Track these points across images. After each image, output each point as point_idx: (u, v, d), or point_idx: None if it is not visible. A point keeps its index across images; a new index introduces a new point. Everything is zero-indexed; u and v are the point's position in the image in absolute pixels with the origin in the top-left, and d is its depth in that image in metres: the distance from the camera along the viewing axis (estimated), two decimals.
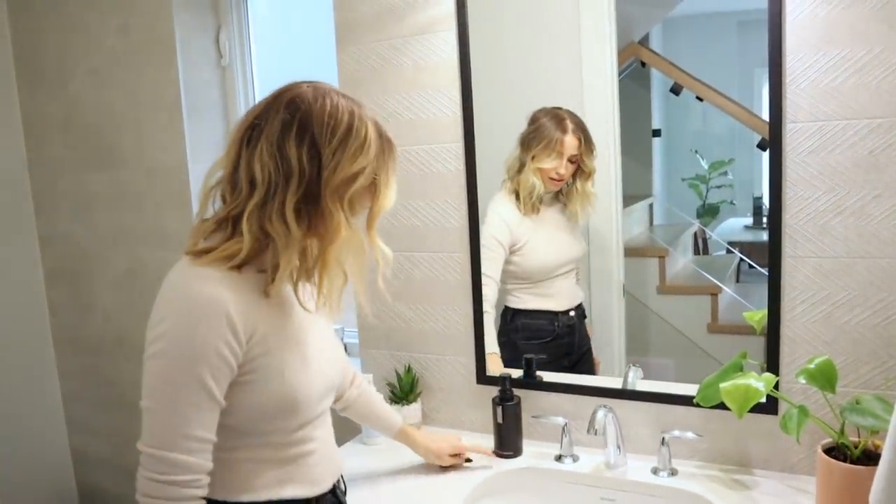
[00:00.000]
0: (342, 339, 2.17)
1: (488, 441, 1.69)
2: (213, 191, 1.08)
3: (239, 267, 1.03)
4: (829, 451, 1.34)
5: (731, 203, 1.72)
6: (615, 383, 1.65)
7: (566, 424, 1.61)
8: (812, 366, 1.31)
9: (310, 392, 1.11)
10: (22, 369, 2.49)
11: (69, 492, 2.64)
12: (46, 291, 2.54)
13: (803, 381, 1.31)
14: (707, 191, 1.70)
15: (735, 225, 1.74)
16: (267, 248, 1.04)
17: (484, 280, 1.72)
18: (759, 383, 1.28)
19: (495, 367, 1.74)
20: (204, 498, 1.02)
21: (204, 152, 2.18)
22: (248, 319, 1.02)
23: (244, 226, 1.01)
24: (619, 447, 1.54)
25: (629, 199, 1.72)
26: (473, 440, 1.72)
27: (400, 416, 1.57)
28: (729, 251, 1.73)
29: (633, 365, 1.63)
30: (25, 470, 2.49)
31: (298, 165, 1.00)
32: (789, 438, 1.46)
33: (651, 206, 1.82)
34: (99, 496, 2.62)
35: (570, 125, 1.64)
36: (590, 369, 1.74)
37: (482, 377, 1.77)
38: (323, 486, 1.17)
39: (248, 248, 1.02)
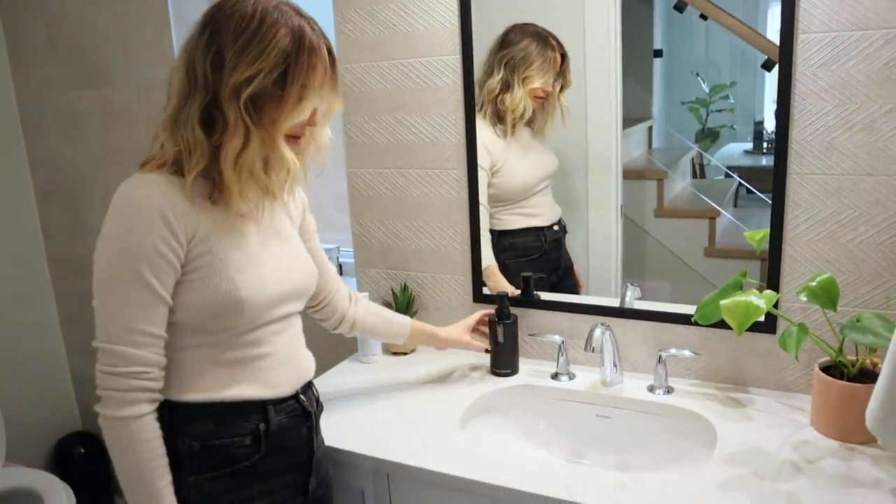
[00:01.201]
0: (337, 259, 2.15)
1: (485, 361, 1.70)
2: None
3: (180, 173, 1.07)
4: (827, 369, 1.34)
5: (732, 128, 1.68)
6: (612, 302, 1.64)
7: (563, 343, 1.61)
8: (814, 283, 1.30)
9: (259, 293, 1.12)
10: (19, 292, 2.48)
11: (70, 412, 2.68)
12: (39, 213, 2.50)
13: (804, 299, 1.30)
14: (707, 115, 1.65)
15: (735, 150, 1.70)
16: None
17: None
18: (759, 300, 1.26)
19: (494, 280, 1.75)
20: (159, 391, 1.08)
21: None
22: (190, 220, 1.06)
23: (161, 132, 1.09)
24: (615, 365, 1.54)
25: (628, 122, 1.68)
26: (470, 360, 1.73)
27: (409, 319, 1.58)
28: (728, 175, 1.69)
29: (631, 284, 1.62)
30: (26, 391, 2.51)
31: (202, 73, 1.03)
32: (786, 357, 1.46)
33: (650, 128, 1.78)
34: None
35: (553, 42, 1.62)
36: (573, 286, 1.74)
37: (479, 295, 1.76)
38: (280, 391, 1.18)
39: (171, 154, 1.07)
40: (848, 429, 1.30)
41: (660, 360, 1.51)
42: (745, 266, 1.45)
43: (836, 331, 1.32)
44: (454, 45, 1.65)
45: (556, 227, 1.74)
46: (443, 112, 1.70)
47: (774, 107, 1.39)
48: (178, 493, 1.09)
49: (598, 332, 1.46)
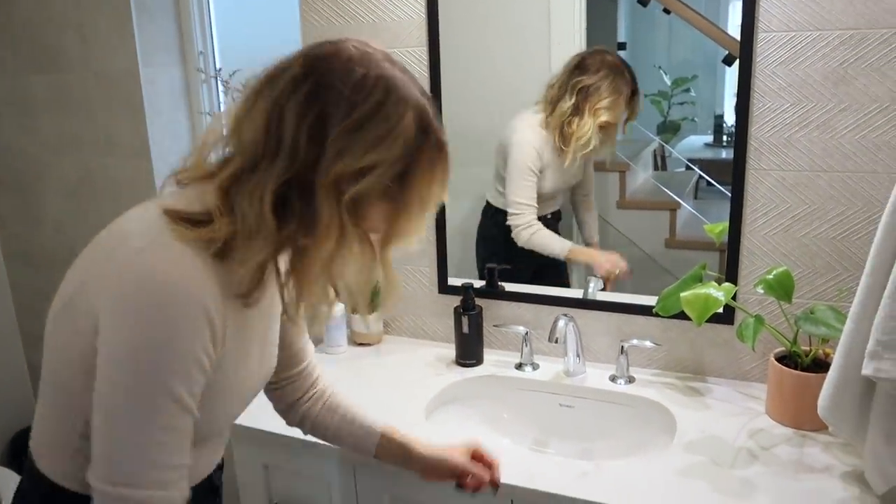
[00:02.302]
0: None
1: (450, 351, 1.71)
2: (219, 142, 0.87)
3: (221, 255, 0.81)
4: (781, 359, 1.39)
5: (693, 120, 1.71)
6: (576, 294, 1.67)
7: (527, 333, 1.63)
8: (770, 276, 1.34)
9: (238, 411, 0.98)
10: None
11: (27, 406, 2.62)
12: None
13: (761, 291, 1.34)
14: (669, 107, 1.68)
15: (695, 142, 1.74)
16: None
17: (520, 209, 1.70)
18: (718, 293, 1.30)
19: (587, 256, 1.75)
20: None
21: (155, 54, 2.07)
22: (227, 319, 0.83)
23: (210, 197, 0.81)
24: (578, 356, 1.56)
25: None
26: (435, 350, 1.74)
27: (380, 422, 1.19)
28: (688, 168, 1.73)
29: (594, 276, 1.65)
30: None
31: (292, 139, 0.77)
32: (743, 348, 1.50)
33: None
34: None
35: (627, 76, 1.61)
36: (561, 273, 1.76)
37: (444, 286, 1.76)
38: (199, 477, 1.00)
39: (225, 231, 0.80)
40: (801, 416, 1.34)
41: (622, 350, 1.54)
42: (704, 257, 1.49)
43: (791, 322, 1.36)
44: (421, 37, 1.64)
45: (549, 216, 1.76)
46: None
47: (734, 101, 1.42)
48: None
49: (561, 323, 1.48)
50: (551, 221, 1.75)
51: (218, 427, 0.96)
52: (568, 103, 1.63)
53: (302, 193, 0.79)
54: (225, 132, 0.86)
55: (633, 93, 1.62)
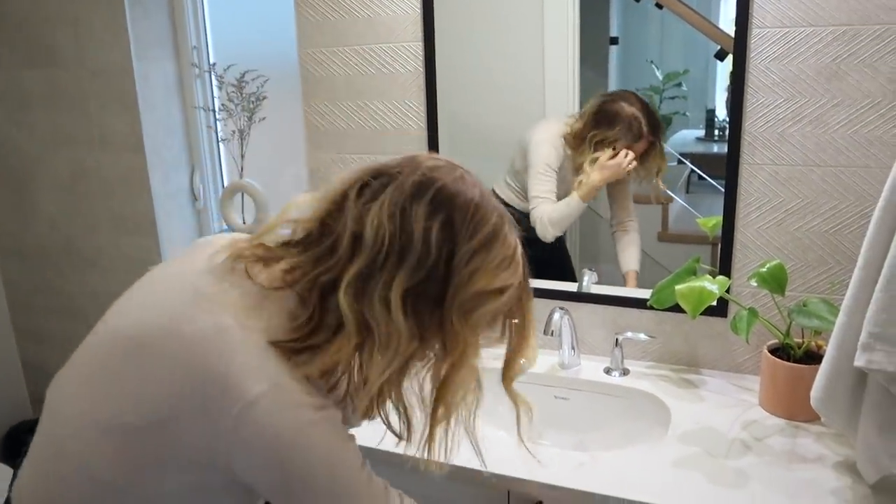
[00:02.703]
0: None
1: None
2: (289, 224, 0.86)
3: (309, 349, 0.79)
4: (774, 351, 1.40)
5: (684, 115, 1.71)
6: (570, 287, 1.68)
7: None
8: (764, 269, 1.35)
9: None
10: None
11: (22, 401, 2.62)
12: None
13: (755, 284, 1.35)
14: (661, 101, 1.69)
15: (687, 136, 1.74)
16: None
17: (536, 203, 1.69)
18: (712, 286, 1.31)
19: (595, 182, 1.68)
20: None
21: (149, 49, 2.07)
22: None
23: (342, 300, 0.77)
24: (573, 348, 1.58)
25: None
26: None
27: None
28: (680, 162, 1.74)
29: (588, 269, 1.66)
30: None
31: (423, 241, 0.77)
32: (737, 340, 1.51)
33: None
34: None
35: (644, 131, 1.61)
36: (563, 266, 1.75)
37: None
38: None
39: (353, 345, 0.79)
40: (794, 408, 1.36)
41: (616, 343, 1.55)
42: (696, 250, 1.50)
43: (784, 315, 1.38)
44: (416, 33, 1.65)
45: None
46: (405, 99, 1.70)
47: (726, 95, 1.43)
48: None
49: (556, 316, 1.49)
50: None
51: None
52: (585, 156, 1.63)
53: (428, 303, 0.79)
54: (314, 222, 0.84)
55: (652, 145, 1.62)
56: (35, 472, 0.90)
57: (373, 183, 0.81)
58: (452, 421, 0.88)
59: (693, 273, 1.41)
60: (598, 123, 1.62)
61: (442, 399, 0.86)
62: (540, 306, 1.64)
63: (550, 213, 1.67)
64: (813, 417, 1.33)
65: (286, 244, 0.85)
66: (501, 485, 1.22)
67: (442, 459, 0.89)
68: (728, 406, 1.42)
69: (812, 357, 1.35)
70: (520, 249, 0.84)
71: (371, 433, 1.01)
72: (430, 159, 0.84)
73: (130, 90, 2.06)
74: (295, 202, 0.89)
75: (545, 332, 1.49)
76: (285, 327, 0.80)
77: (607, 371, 1.58)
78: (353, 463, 0.82)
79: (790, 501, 1.12)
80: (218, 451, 0.76)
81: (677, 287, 1.33)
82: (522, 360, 0.91)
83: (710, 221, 1.50)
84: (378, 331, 0.78)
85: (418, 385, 0.87)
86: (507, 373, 0.91)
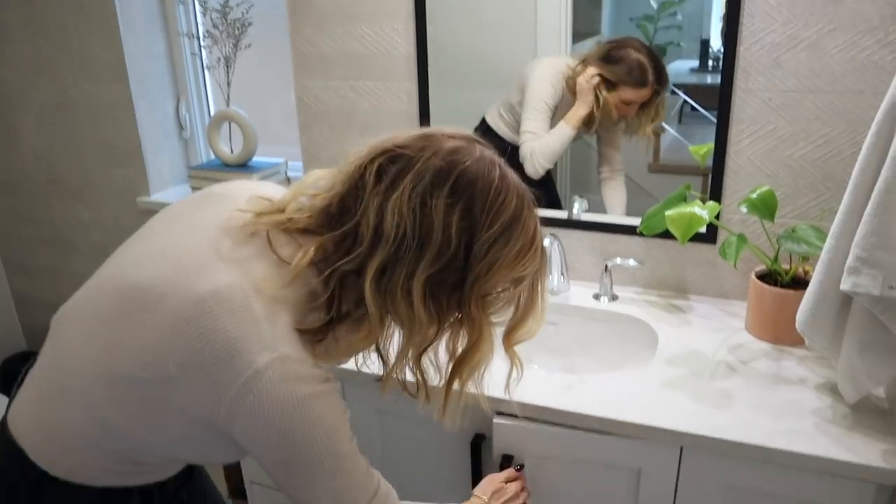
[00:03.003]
0: (286, 173, 2.13)
1: None
2: (308, 198, 0.86)
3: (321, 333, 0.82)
4: (762, 277, 1.42)
5: (678, 45, 1.68)
6: (561, 214, 1.68)
7: None
8: (754, 195, 1.35)
9: None
10: None
11: (14, 333, 2.63)
12: None
13: (745, 211, 1.36)
14: (655, 31, 1.65)
15: (681, 67, 1.72)
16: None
17: (527, 136, 1.67)
18: (702, 211, 1.32)
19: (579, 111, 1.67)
20: None
21: None
22: None
23: (367, 294, 0.79)
24: (563, 274, 1.59)
25: (578, 37, 1.67)
26: None
27: None
28: (673, 92, 1.72)
29: (579, 196, 1.66)
30: None
31: (443, 233, 0.78)
32: (725, 266, 1.53)
33: (599, 44, 1.78)
34: (45, 335, 2.61)
35: (651, 78, 1.58)
36: (551, 194, 1.75)
37: None
38: None
39: (375, 336, 0.84)
40: (779, 332, 1.38)
41: (605, 269, 1.57)
42: (687, 181, 1.50)
43: (773, 241, 1.39)
44: None
45: None
46: (393, 23, 1.67)
47: (721, 25, 1.41)
48: None
49: (546, 241, 1.48)
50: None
51: None
52: (596, 73, 1.60)
53: (448, 290, 0.81)
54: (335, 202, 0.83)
55: (656, 94, 1.59)
56: (37, 403, 0.91)
57: (390, 168, 0.80)
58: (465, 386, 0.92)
59: (683, 199, 1.42)
60: (606, 61, 1.60)
61: (458, 373, 0.89)
62: None
63: (541, 147, 1.66)
64: (797, 341, 1.36)
65: (308, 218, 0.84)
66: (490, 406, 1.24)
67: (455, 418, 0.94)
68: (715, 330, 1.45)
69: (799, 283, 1.37)
70: (539, 232, 0.84)
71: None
72: (448, 139, 0.81)
73: (111, 17, 2.01)
74: (312, 175, 0.88)
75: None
76: (304, 306, 0.81)
77: (596, 297, 1.59)
78: (346, 435, 0.85)
79: (773, 421, 1.15)
80: (219, 414, 0.78)
81: (667, 212, 1.34)
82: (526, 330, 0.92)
83: (702, 149, 1.49)
84: (400, 321, 0.82)
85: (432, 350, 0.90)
86: (510, 339, 0.93)
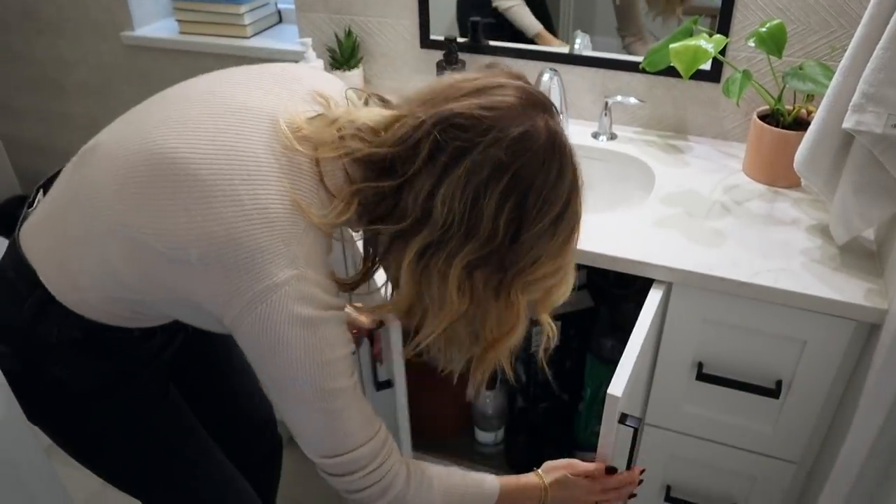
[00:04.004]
0: (276, 5, 2.02)
1: None
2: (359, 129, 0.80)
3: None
4: (764, 118, 1.39)
5: None
6: (562, 49, 1.61)
7: None
8: (763, 29, 1.29)
9: None
10: None
11: (7, 177, 2.61)
12: None
13: (752, 45, 1.30)
14: None
15: None
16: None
17: None
18: (708, 44, 1.26)
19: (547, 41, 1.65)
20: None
21: None
22: None
23: (405, 270, 0.80)
24: (562, 112, 1.55)
25: None
26: None
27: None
28: None
29: (582, 31, 1.58)
30: None
31: (491, 227, 0.76)
32: (727, 106, 1.50)
33: None
34: (38, 179, 2.59)
35: None
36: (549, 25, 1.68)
37: (426, 41, 1.69)
38: None
39: (405, 306, 0.83)
40: (776, 173, 1.37)
41: (605, 107, 1.53)
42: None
43: (778, 80, 1.34)
44: None
45: None
46: None
47: None
48: None
49: (546, 77, 1.45)
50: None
51: None
52: None
53: (489, 273, 0.80)
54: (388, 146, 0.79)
55: None
56: (53, 228, 0.90)
57: (447, 146, 0.75)
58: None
59: (689, 34, 1.36)
60: None
61: (492, 353, 0.88)
62: (529, 67, 1.62)
63: (511, 13, 1.61)
64: (793, 183, 1.35)
65: (356, 159, 0.80)
66: None
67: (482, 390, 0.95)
68: (712, 171, 1.44)
69: (801, 124, 1.34)
70: (581, 216, 0.83)
71: None
72: (518, 120, 0.76)
73: None
74: (369, 109, 0.83)
75: None
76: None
77: (595, 135, 1.57)
78: (344, 373, 0.83)
79: (762, 259, 1.16)
80: (227, 313, 0.78)
81: (671, 46, 1.28)
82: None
83: None
84: (430, 298, 0.81)
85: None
86: (545, 307, 0.91)
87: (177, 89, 0.91)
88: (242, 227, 0.75)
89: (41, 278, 0.88)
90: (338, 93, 0.90)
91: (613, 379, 1.00)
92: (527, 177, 0.76)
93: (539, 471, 1.03)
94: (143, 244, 0.80)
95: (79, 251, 0.86)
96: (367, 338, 1.20)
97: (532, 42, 1.64)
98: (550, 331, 0.96)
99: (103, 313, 0.90)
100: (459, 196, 0.75)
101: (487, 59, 1.64)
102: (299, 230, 0.77)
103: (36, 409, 0.97)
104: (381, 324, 1.14)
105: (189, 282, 0.79)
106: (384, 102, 0.87)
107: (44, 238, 0.90)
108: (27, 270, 0.89)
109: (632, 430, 1.02)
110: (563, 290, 0.89)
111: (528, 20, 1.64)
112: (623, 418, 1.01)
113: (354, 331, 1.16)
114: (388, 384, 1.18)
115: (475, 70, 0.83)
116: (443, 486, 0.94)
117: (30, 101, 2.40)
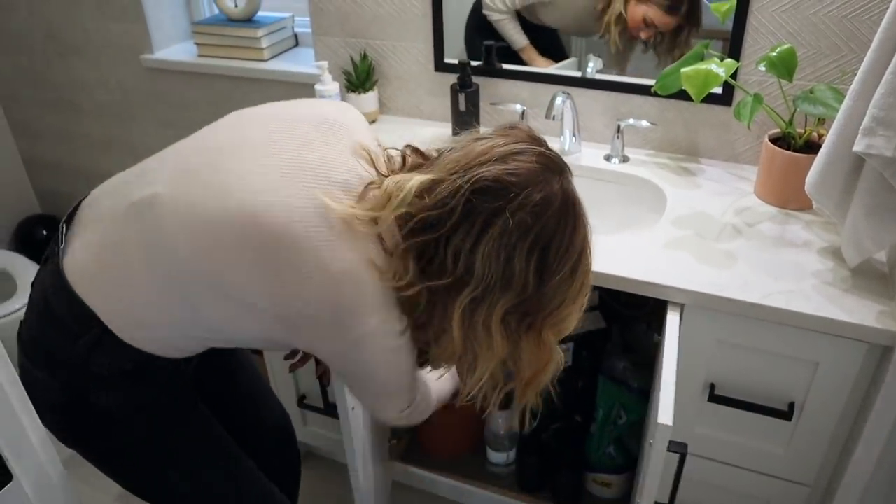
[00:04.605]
0: (293, 29, 2.06)
1: (446, 130, 1.71)
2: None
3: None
4: (775, 141, 1.40)
5: None
6: (574, 73, 1.63)
7: (524, 112, 1.63)
8: (774, 53, 1.31)
9: None
10: None
11: (27, 196, 2.65)
12: None
13: (763, 69, 1.31)
14: None
15: None
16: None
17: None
18: (719, 69, 1.28)
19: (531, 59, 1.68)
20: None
21: None
22: None
23: (455, 324, 0.88)
24: (574, 134, 1.57)
25: None
26: (431, 129, 1.75)
27: None
28: None
29: (593, 55, 1.61)
30: None
31: (523, 280, 0.87)
32: (738, 129, 1.51)
33: None
34: (57, 198, 2.64)
35: (684, 8, 1.48)
36: (559, 46, 1.70)
37: (440, 64, 1.72)
38: None
39: (457, 350, 0.92)
40: (787, 196, 1.38)
41: (618, 129, 1.55)
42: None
43: (789, 104, 1.35)
44: None
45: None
46: None
47: None
48: None
49: (559, 100, 1.46)
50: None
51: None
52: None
53: (522, 319, 0.90)
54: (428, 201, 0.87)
55: (680, 28, 1.50)
56: (109, 271, 0.93)
57: (481, 207, 0.84)
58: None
59: (700, 58, 1.37)
60: None
61: (532, 387, 0.98)
62: (541, 91, 1.64)
63: (499, 25, 1.64)
64: (805, 206, 1.36)
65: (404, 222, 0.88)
66: None
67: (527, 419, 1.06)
68: (723, 193, 1.45)
69: (812, 147, 1.35)
70: (592, 255, 0.92)
71: None
72: (540, 183, 0.85)
73: None
74: (407, 176, 0.89)
75: (546, 117, 1.47)
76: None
77: (607, 158, 1.58)
78: (406, 370, 0.98)
79: (773, 281, 1.17)
80: (321, 349, 0.95)
81: (683, 70, 1.30)
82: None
83: (724, 6, 1.42)
84: (478, 349, 0.91)
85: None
86: (559, 333, 0.98)
87: (256, 113, 0.98)
88: (332, 290, 0.85)
89: (101, 318, 0.91)
90: (372, 142, 0.97)
91: (660, 409, 1.02)
92: (549, 234, 0.86)
93: None
94: (242, 301, 0.88)
95: (156, 299, 0.91)
96: (314, 359, 1.26)
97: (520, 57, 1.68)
98: (554, 361, 1.01)
99: (170, 347, 0.97)
100: (495, 256, 0.85)
101: (501, 82, 1.69)
102: (376, 285, 0.88)
103: (80, 434, 1.01)
104: None
105: (288, 335, 0.92)
106: (418, 154, 0.95)
107: (102, 283, 0.93)
108: (84, 311, 0.91)
109: (678, 455, 1.06)
110: (575, 323, 0.97)
111: (515, 35, 1.66)
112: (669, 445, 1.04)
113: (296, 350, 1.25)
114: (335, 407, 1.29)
115: (499, 131, 0.93)
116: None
117: (50, 121, 2.44)
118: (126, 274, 0.91)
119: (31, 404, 0.91)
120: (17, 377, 0.89)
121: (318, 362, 1.26)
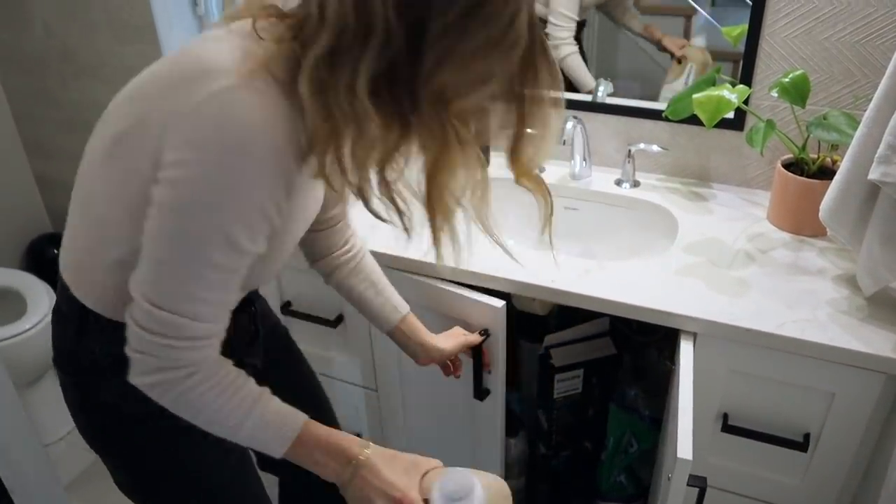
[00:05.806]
0: None
1: None
2: None
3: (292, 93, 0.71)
4: (788, 166, 1.39)
5: None
6: (585, 97, 1.63)
7: None
8: (786, 79, 1.30)
9: (298, 238, 0.95)
10: None
11: (38, 215, 2.66)
12: None
13: (775, 95, 1.31)
14: None
15: None
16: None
17: (561, 21, 1.60)
18: (731, 95, 1.27)
19: None
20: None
21: None
22: (301, 172, 0.77)
23: (303, 86, 0.69)
24: (585, 159, 1.56)
25: None
26: None
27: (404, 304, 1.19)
28: None
29: (604, 79, 1.60)
30: None
31: (383, 22, 0.66)
32: (750, 154, 1.50)
33: None
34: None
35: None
36: None
37: None
38: None
39: (313, 127, 0.71)
40: (801, 222, 1.36)
41: (629, 154, 1.54)
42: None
43: (802, 129, 1.34)
44: None
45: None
46: None
47: None
48: None
49: (569, 125, 1.46)
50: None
51: (260, 275, 0.93)
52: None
53: (401, 90, 0.69)
54: None
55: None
56: (67, 238, 0.93)
57: None
58: (458, 218, 0.82)
59: (712, 83, 1.37)
60: None
61: (432, 197, 0.78)
62: None
63: (568, 61, 1.62)
64: (819, 232, 1.34)
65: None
66: (507, 287, 1.25)
67: (451, 262, 0.83)
68: (736, 219, 1.43)
69: (825, 173, 1.34)
70: (524, 21, 0.69)
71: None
72: None
73: None
74: None
75: (557, 142, 1.47)
76: None
77: (618, 182, 1.57)
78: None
79: (787, 309, 1.15)
80: (166, 145, 0.74)
81: (695, 96, 1.29)
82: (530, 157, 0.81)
83: (735, 30, 1.42)
84: (346, 122, 0.71)
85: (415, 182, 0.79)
86: (515, 163, 0.83)
87: None
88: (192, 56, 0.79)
89: (74, 293, 0.90)
90: None
91: (678, 442, 0.99)
92: None
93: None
94: (108, 149, 0.87)
95: (81, 243, 0.90)
96: (471, 355, 1.27)
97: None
98: (544, 196, 0.87)
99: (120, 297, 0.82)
100: None
101: None
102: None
103: (98, 437, 0.98)
104: (486, 335, 1.24)
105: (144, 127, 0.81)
106: None
107: (74, 259, 0.92)
108: (67, 294, 0.91)
109: (697, 490, 1.03)
110: (537, 141, 0.78)
111: (583, 73, 1.63)
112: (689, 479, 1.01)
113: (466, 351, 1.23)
114: (488, 392, 1.31)
115: None
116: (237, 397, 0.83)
117: (63, 141, 2.46)
118: (69, 233, 0.91)
119: (32, 427, 0.91)
120: (18, 399, 0.89)
121: (477, 355, 1.24)
